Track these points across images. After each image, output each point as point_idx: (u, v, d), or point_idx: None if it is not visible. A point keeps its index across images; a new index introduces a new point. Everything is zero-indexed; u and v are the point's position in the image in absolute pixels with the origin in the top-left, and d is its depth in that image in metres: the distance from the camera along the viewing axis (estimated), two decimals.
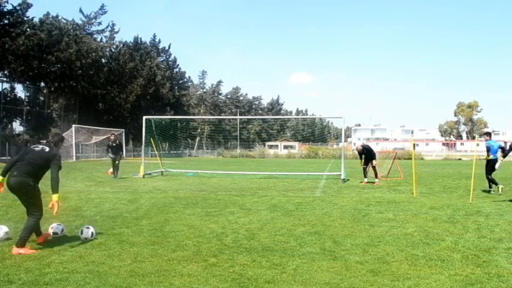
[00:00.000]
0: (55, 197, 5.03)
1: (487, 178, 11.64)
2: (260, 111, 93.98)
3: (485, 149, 11.75)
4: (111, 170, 19.02)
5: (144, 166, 17.04)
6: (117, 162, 16.07)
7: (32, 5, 37.69)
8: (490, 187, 11.60)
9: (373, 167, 14.02)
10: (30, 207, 5.16)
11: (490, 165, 11.50)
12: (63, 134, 35.43)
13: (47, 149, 5.32)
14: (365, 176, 14.28)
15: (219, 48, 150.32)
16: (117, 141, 16.90)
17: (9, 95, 39.33)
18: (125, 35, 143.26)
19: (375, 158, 14.23)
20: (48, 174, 5.14)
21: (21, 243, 4.96)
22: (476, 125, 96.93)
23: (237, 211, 8.15)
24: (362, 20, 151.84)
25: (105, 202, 9.22)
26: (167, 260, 4.69)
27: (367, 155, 14.26)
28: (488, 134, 12.69)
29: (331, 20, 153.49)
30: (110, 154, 16.39)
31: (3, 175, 5.21)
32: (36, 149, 5.32)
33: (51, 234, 5.61)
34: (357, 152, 15.76)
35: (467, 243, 5.53)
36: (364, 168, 14.34)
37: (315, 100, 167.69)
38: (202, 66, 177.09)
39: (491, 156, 11.49)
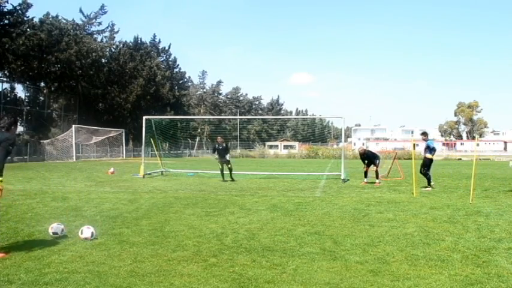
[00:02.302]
0: None
1: (426, 175, 12.52)
2: (260, 111, 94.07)
3: (424, 148, 12.85)
4: (112, 170, 19.03)
5: (144, 166, 17.05)
6: (229, 165, 15.39)
7: (32, 5, 37.79)
8: (429, 183, 12.46)
9: (376, 171, 14.03)
10: None
11: (427, 163, 12.49)
12: (63, 134, 35.53)
13: None
14: (365, 177, 14.32)
15: (219, 48, 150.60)
16: (224, 144, 15.91)
17: (9, 95, 39.33)
18: (125, 35, 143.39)
19: (375, 163, 14.14)
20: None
21: None
22: (476, 125, 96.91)
23: (237, 211, 8.14)
24: (362, 20, 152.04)
25: (105, 202, 9.21)
26: (167, 260, 4.68)
27: (369, 160, 14.27)
28: (426, 134, 13.36)
29: (331, 20, 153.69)
30: (216, 156, 15.64)
31: None
32: None
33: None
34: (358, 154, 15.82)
35: (467, 243, 5.52)
36: (365, 171, 14.38)
37: (315, 100, 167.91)
38: (202, 66, 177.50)
39: (433, 155, 12.58)
